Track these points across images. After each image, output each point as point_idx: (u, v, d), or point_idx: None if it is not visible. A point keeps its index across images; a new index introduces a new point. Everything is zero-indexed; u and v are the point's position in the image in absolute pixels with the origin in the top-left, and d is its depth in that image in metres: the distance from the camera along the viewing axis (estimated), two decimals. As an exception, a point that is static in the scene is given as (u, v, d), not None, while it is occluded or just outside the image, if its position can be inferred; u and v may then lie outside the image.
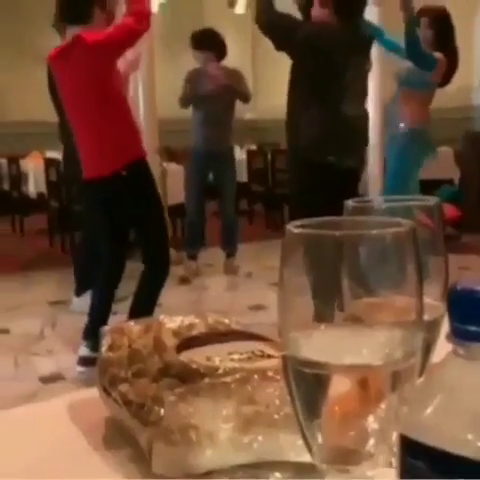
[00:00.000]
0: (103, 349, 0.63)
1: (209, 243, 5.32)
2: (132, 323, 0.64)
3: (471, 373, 0.28)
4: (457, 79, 4.27)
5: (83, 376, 3.00)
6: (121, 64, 3.09)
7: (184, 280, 4.87)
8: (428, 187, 4.94)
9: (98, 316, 3.10)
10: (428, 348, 0.49)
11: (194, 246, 5.12)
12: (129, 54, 3.22)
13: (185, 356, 0.57)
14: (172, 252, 5.49)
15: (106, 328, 0.65)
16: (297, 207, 3.29)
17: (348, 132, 3.07)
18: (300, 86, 3.09)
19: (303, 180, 3.15)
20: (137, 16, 2.93)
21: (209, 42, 4.92)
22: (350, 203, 0.51)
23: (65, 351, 3.42)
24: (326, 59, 3.00)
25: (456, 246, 4.78)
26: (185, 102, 4.93)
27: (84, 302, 3.54)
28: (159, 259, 3.12)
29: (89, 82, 2.90)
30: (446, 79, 4.18)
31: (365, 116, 3.21)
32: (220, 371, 0.52)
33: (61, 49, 3.02)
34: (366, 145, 3.35)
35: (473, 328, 0.28)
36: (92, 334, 3.05)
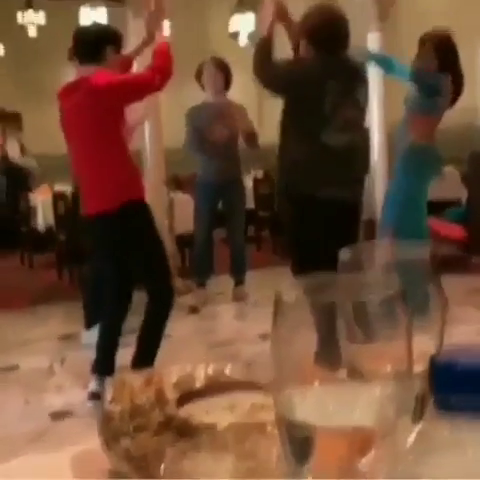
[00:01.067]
0: (105, 402, 0.63)
1: (217, 271, 5.32)
2: (134, 375, 0.65)
3: (452, 442, 0.28)
4: (462, 99, 4.30)
5: (93, 410, 2.99)
6: (128, 115, 3.12)
7: (194, 309, 4.87)
8: (435, 208, 4.94)
9: (105, 351, 3.10)
10: (425, 396, 0.49)
11: (203, 274, 5.12)
12: (137, 108, 3.25)
13: (186, 410, 0.57)
14: (180, 281, 5.51)
15: (109, 380, 0.65)
16: (294, 243, 3.29)
17: (333, 163, 3.03)
18: (285, 120, 3.17)
19: (296, 216, 3.15)
20: (156, 72, 2.96)
21: None
22: (343, 254, 0.52)
23: (74, 387, 3.41)
24: (303, 91, 3.05)
25: (464, 267, 4.76)
26: (191, 147, 4.93)
27: (94, 335, 3.54)
28: (162, 294, 3.12)
29: (90, 123, 2.92)
30: (451, 102, 4.22)
31: (356, 146, 3.12)
32: (219, 427, 0.53)
33: (68, 87, 3.06)
34: (360, 175, 3.22)
35: (454, 399, 0.28)
36: (100, 369, 3.05)
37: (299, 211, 3.12)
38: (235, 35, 10.29)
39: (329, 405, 0.39)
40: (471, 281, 4.69)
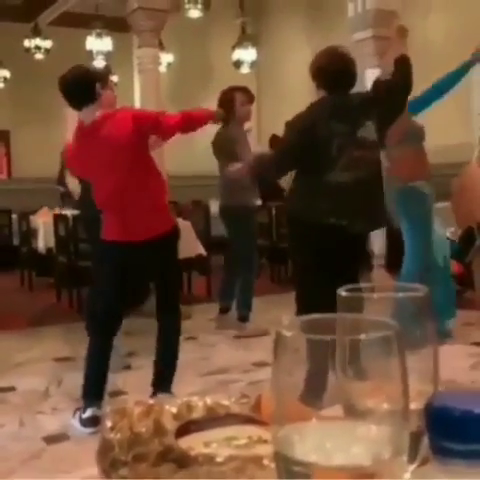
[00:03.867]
0: (105, 430, 0.64)
1: (215, 298, 5.32)
2: (133, 405, 0.65)
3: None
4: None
5: (89, 435, 2.98)
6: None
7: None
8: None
9: (93, 374, 3.14)
10: (421, 434, 0.50)
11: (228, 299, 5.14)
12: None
13: (184, 441, 0.58)
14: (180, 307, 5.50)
15: (108, 409, 0.66)
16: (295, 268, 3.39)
17: (332, 196, 3.12)
18: (298, 167, 3.29)
19: (297, 244, 3.31)
20: (174, 120, 3.19)
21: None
22: (342, 293, 0.53)
23: (70, 409, 3.39)
24: (309, 133, 3.14)
25: (460, 302, 4.76)
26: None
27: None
28: (179, 310, 3.34)
29: (133, 151, 3.07)
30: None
31: (360, 182, 3.16)
32: (218, 459, 0.53)
33: (87, 129, 3.12)
34: (364, 208, 3.22)
35: (450, 445, 0.29)
36: (89, 393, 3.09)
37: (300, 238, 3.24)
38: (237, 64, 10.45)
39: (327, 443, 0.40)
40: (464, 316, 4.69)
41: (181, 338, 4.61)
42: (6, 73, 11.13)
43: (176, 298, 3.36)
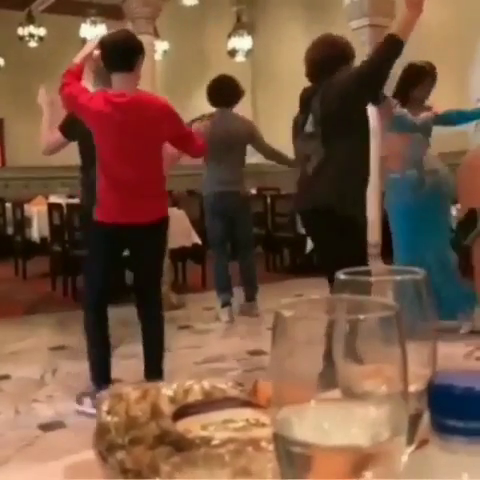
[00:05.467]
0: (101, 414, 0.64)
1: (209, 286, 5.33)
2: (130, 388, 0.65)
3: (448, 465, 0.29)
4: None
5: (84, 422, 2.99)
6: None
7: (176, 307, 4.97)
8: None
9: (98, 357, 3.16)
10: (418, 417, 0.50)
11: (227, 291, 5.09)
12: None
13: (181, 424, 0.58)
14: (173, 296, 5.50)
15: (104, 393, 0.66)
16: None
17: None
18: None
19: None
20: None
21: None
22: (341, 276, 0.53)
23: (65, 397, 3.40)
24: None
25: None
26: None
27: None
28: (160, 301, 3.33)
29: (158, 136, 3.15)
30: None
31: (303, 176, 3.28)
32: (215, 441, 0.53)
33: (118, 95, 3.09)
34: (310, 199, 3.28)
35: (452, 422, 0.29)
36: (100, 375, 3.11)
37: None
38: (233, 53, 10.40)
39: (325, 424, 0.39)
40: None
41: (175, 327, 4.64)
42: (0, 61, 11.06)
43: (160, 284, 3.38)
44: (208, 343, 4.47)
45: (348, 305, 0.43)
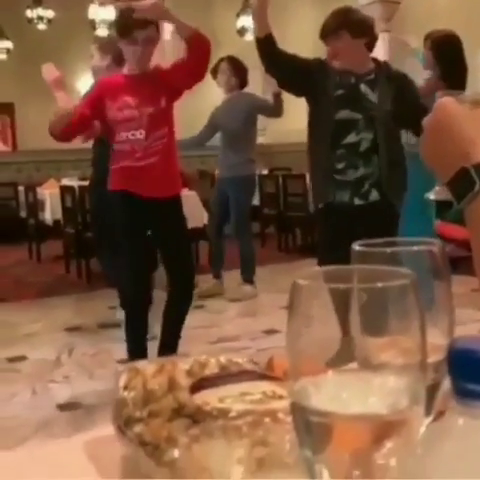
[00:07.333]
0: (118, 389, 0.64)
1: (227, 266, 5.34)
2: (146, 363, 0.66)
3: (471, 431, 0.29)
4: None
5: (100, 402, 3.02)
6: None
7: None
8: (441, 208, 4.92)
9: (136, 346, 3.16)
10: (436, 387, 0.50)
11: (216, 266, 5.28)
12: None
13: (198, 397, 0.58)
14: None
15: (121, 368, 0.66)
16: None
17: None
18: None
19: None
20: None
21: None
22: (356, 248, 0.53)
23: (81, 378, 3.43)
24: None
25: (469, 268, 4.74)
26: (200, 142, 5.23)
27: None
28: (190, 282, 3.34)
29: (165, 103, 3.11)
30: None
31: None
32: (232, 413, 0.53)
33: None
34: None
35: (472, 387, 0.29)
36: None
37: None
38: (242, 31, 10.30)
39: (343, 393, 0.39)
40: (472, 282, 4.67)
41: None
42: (9, 44, 11.03)
43: (188, 266, 3.33)
44: (222, 323, 4.49)
45: (365, 274, 0.43)
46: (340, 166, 3.02)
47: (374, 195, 3.04)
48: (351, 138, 3.00)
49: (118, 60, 3.49)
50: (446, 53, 4.17)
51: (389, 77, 3.07)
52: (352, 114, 3.00)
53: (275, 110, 5.01)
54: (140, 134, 3.06)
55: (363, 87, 3.02)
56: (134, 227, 3.14)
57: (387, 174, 3.03)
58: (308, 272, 0.41)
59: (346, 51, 3.03)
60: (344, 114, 3.00)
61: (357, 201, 3.04)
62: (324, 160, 3.05)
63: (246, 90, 5.17)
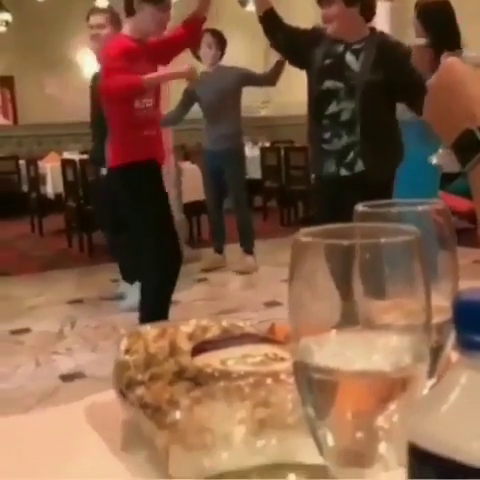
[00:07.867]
0: (120, 353, 0.64)
1: (227, 240, 5.34)
2: (148, 327, 0.65)
3: (477, 384, 0.28)
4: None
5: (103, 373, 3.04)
6: None
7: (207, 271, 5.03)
8: (444, 180, 4.90)
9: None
10: (439, 349, 0.49)
11: (218, 240, 5.28)
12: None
13: (200, 360, 0.58)
14: (188, 250, 5.53)
15: (122, 332, 0.66)
16: None
17: None
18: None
19: None
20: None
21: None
22: (360, 208, 0.52)
23: (84, 350, 3.46)
24: None
25: (471, 239, 4.73)
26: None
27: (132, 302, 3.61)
28: (168, 258, 3.26)
29: None
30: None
31: None
32: (234, 375, 0.53)
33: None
34: None
35: (478, 339, 0.28)
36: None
37: None
38: (243, 2, 10.15)
39: (347, 351, 0.39)
40: (476, 253, 4.67)
41: (191, 280, 4.66)
42: (8, 16, 10.89)
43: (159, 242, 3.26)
44: (224, 295, 4.50)
45: (367, 232, 0.42)
46: (326, 136, 3.02)
47: (359, 165, 3.00)
48: (332, 108, 2.98)
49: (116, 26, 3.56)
50: (435, 21, 4.05)
51: (381, 47, 3.01)
52: (335, 84, 2.97)
53: (269, 78, 4.94)
54: (149, 103, 3.07)
55: (348, 56, 2.98)
56: (166, 194, 3.22)
57: (370, 145, 2.98)
58: (309, 230, 0.40)
59: (339, 19, 2.98)
60: (329, 84, 2.98)
61: (343, 172, 3.01)
62: (314, 130, 3.08)
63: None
